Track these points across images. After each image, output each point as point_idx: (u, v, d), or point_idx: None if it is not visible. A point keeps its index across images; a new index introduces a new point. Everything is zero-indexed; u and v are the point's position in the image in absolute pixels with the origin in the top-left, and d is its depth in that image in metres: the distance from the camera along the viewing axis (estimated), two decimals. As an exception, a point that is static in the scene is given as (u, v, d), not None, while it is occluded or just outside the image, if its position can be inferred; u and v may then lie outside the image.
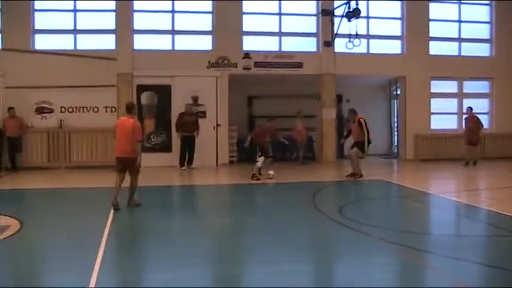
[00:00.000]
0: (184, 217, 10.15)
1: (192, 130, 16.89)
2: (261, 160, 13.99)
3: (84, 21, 17.63)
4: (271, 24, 18.67)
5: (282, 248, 7.33)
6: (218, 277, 6.34)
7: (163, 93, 17.69)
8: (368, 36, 19.25)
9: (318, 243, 8.01)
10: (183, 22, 18.06)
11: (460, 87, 20.35)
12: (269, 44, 18.68)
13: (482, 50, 20.46)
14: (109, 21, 17.65)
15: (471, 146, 17.29)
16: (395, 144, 20.94)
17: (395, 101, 20.80)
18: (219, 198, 12.58)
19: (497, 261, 6.80)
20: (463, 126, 17.81)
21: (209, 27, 18.20)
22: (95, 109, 17.59)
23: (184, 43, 18.07)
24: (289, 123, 18.33)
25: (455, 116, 20.20)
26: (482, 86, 20.62)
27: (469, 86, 20.45)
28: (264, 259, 6.80)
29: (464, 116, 18.25)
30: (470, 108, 17.76)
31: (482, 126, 17.60)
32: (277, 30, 18.73)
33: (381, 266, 6.70)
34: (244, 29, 18.42)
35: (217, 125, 17.87)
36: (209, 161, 17.58)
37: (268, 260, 6.72)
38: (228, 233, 8.63)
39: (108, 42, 17.67)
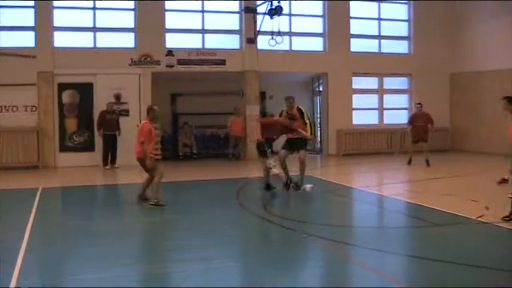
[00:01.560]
0: (109, 216, 11.13)
1: (113, 128, 19.18)
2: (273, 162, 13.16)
3: (3, 18, 19.47)
4: (194, 21, 21.30)
5: (208, 245, 8.37)
6: (145, 277, 7.05)
7: (85, 91, 19.83)
8: (290, 34, 22.56)
9: (243, 240, 9.14)
10: (105, 19, 20.32)
11: (380, 83, 24.16)
12: (192, 41, 21.34)
13: (401, 47, 24.34)
14: (28, 18, 19.64)
15: (422, 143, 18.44)
16: (319, 139, 24.69)
17: (318, 97, 24.46)
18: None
19: (418, 251, 8.15)
20: (408, 123, 19.16)
21: (131, 25, 20.70)
22: (14, 108, 19.54)
23: (106, 41, 20.34)
24: (216, 121, 21.68)
25: (376, 112, 24.13)
26: (401, 82, 24.48)
27: (389, 82, 24.31)
28: (191, 257, 7.69)
29: (413, 112, 19.93)
30: (420, 105, 19.12)
31: (432, 122, 18.64)
32: (200, 27, 21.71)
33: (305, 260, 7.84)
34: (167, 26, 20.97)
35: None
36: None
37: (195, 258, 7.61)
38: (153, 231, 9.84)
39: (27, 40, 19.63)
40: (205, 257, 7.71)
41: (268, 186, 13.11)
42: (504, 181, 13.71)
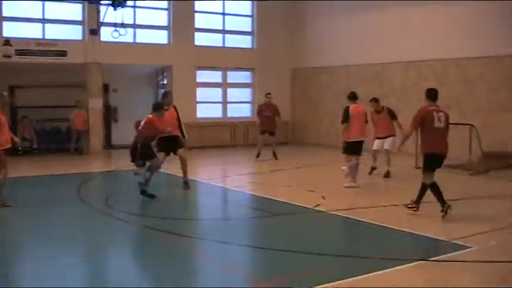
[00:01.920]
0: None
1: None
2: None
3: None
4: (34, 10, 21.09)
5: (48, 242, 8.60)
6: None
7: None
8: (135, 26, 23.13)
9: (84, 235, 9.34)
10: None
11: (224, 77, 25.40)
12: (32, 31, 21.11)
13: (245, 42, 25.69)
14: None
15: (269, 136, 18.83)
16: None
17: (162, 90, 25.16)
18: None
19: (258, 242, 8.88)
20: (257, 114, 19.49)
21: (-35, 11, 20.34)
22: None
23: None
24: (58, 114, 21.75)
25: (220, 105, 25.32)
26: (244, 76, 25.84)
27: (233, 76, 25.58)
28: (36, 255, 7.86)
29: (262, 103, 19.82)
30: (270, 95, 19.38)
31: (279, 114, 19.16)
32: (40, 16, 21.58)
33: (149, 255, 8.12)
34: (4, 14, 20.56)
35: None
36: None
37: (39, 256, 7.80)
38: None
39: None
40: (45, 255, 7.91)
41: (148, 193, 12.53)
42: (373, 170, 15.31)
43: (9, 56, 20.40)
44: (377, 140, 15.39)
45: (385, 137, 15.36)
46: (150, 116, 12.21)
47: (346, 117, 13.36)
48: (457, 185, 14.14)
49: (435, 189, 10.11)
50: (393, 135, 15.37)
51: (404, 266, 7.48)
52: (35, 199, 12.55)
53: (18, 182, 15.14)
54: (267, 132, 18.66)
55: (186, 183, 13.43)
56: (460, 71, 19.29)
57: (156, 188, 12.92)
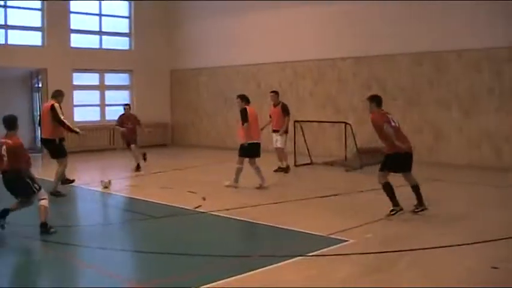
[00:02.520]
0: None
1: None
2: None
3: None
4: None
5: None
6: None
7: None
8: (6, 26, 22.22)
9: None
10: None
11: (102, 79, 24.92)
12: None
13: (123, 44, 25.35)
14: None
15: (132, 145, 17.59)
16: (39, 138, 24.43)
17: (38, 94, 24.36)
18: None
19: (137, 245, 8.87)
20: (120, 125, 17.91)
21: None
22: None
23: None
24: None
25: (98, 108, 24.79)
26: (122, 78, 25.47)
27: (111, 78, 25.17)
28: None
29: (121, 114, 18.33)
30: (129, 106, 18.47)
31: (140, 123, 17.96)
32: None
33: (23, 263, 8.00)
34: None
35: None
36: None
37: None
38: None
39: None
40: None
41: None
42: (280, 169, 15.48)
43: None
44: (273, 134, 16.04)
45: (277, 131, 15.87)
46: None
47: (246, 117, 13.20)
48: (333, 181, 14.58)
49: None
50: (285, 132, 15.91)
51: (284, 262, 7.64)
52: None
53: None
54: (131, 142, 17.58)
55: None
56: (335, 70, 19.85)
57: None
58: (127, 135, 17.57)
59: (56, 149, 12.93)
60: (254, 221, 10.26)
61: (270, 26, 21.65)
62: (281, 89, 19.74)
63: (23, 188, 9.27)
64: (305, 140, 17.67)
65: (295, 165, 16.57)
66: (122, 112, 18.08)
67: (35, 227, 9.46)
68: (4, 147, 9.19)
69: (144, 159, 17.87)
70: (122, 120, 17.71)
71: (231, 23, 23.01)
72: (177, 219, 10.73)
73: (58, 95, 13.41)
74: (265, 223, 10.07)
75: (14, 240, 9.25)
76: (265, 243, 9.18)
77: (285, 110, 16.05)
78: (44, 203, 9.31)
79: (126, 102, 18.77)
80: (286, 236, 9.35)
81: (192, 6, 24.57)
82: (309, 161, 17.51)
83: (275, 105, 16.27)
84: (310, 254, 8.01)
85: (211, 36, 23.78)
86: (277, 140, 15.94)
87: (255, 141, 13.41)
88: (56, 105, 12.89)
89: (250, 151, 13.32)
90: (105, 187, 13.96)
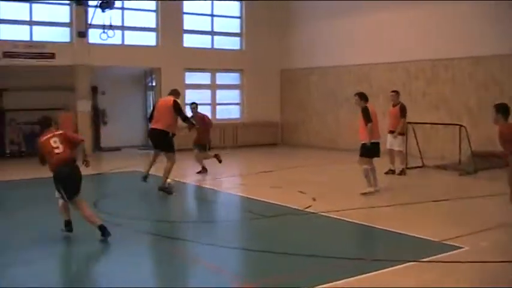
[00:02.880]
0: None
1: None
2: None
3: None
4: (21, 12, 20.94)
5: (33, 246, 8.48)
6: None
7: None
8: (123, 28, 23.05)
9: (70, 239, 9.02)
10: None
11: (213, 78, 25.36)
12: (19, 33, 20.96)
13: (234, 44, 25.61)
14: None
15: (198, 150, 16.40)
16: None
17: (151, 93, 25.13)
18: None
19: (248, 244, 8.74)
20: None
21: (-50, 14, 20.18)
22: None
23: None
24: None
25: (209, 107, 25.23)
26: (233, 78, 25.79)
27: (222, 78, 25.55)
28: (14, 260, 7.82)
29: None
30: (195, 105, 16.92)
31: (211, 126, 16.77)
32: (28, 18, 21.51)
33: (137, 256, 8.14)
34: (-8, 17, 20.75)
35: None
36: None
37: (18, 260, 7.75)
38: None
39: None
40: (28, 258, 7.85)
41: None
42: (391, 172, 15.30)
43: (-4, 59, 20.15)
44: (389, 135, 15.63)
45: (394, 131, 15.60)
46: None
47: (369, 116, 12.63)
48: (446, 185, 14.17)
49: None
50: (402, 134, 15.64)
51: (397, 267, 7.45)
52: (23, 202, 12.51)
53: (5, 185, 15.28)
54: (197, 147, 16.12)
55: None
56: (449, 71, 19.28)
57: (149, 190, 13.06)
58: (196, 138, 16.07)
59: (167, 142, 13.02)
60: (365, 224, 10.10)
61: (382, 25, 21.30)
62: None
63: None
64: (417, 142, 17.23)
65: (407, 168, 16.19)
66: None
67: (149, 222, 9.91)
68: None
69: (219, 161, 16.81)
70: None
71: (343, 22, 22.80)
72: (287, 219, 10.66)
73: (176, 93, 13.66)
74: (377, 226, 9.89)
75: (128, 234, 9.49)
76: (377, 247, 9.00)
77: (403, 111, 15.65)
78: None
79: (193, 101, 16.91)
80: (398, 240, 9.13)
81: (304, 6, 24.53)
82: (420, 164, 17.05)
83: (394, 105, 15.93)
84: (424, 260, 7.76)
85: (323, 36, 23.66)
86: (393, 142, 15.58)
87: (377, 141, 12.93)
88: (179, 101, 13.08)
89: (372, 151, 12.84)
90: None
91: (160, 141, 13.04)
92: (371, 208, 11.40)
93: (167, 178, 13.24)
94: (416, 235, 9.11)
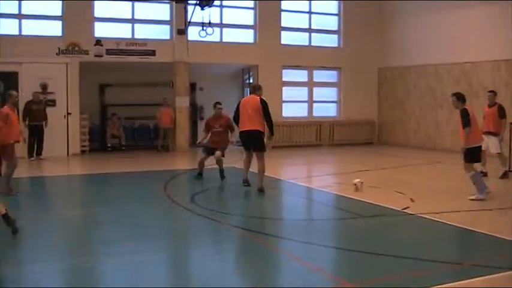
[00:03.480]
0: (36, 209, 11.18)
1: (40, 119, 19.18)
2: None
3: None
4: (123, 10, 21.53)
5: (135, 238, 8.62)
6: (71, 270, 7.18)
7: (9, 80, 19.53)
8: (221, 25, 23.18)
9: (171, 232, 9.34)
10: (31, 6, 20.22)
11: (310, 76, 25.16)
12: (121, 31, 21.52)
13: (331, 41, 25.32)
14: None
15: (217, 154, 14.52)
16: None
17: (248, 90, 25.19)
18: (69, 189, 14.47)
19: (344, 243, 8.60)
20: (205, 130, 15.01)
21: (59, 13, 20.71)
22: None
23: (32, 28, 20.26)
24: (146, 112, 22.16)
25: (306, 104, 25.11)
26: (331, 75, 25.49)
27: (319, 75, 25.30)
28: (118, 251, 7.88)
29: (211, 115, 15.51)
30: (220, 104, 15.18)
31: (233, 129, 14.64)
32: (129, 17, 22.01)
33: (234, 252, 8.23)
34: (96, 15, 21.15)
35: (68, 113, 20.70)
36: (59, 151, 20.33)
37: (121, 252, 7.81)
38: (79, 225, 9.85)
39: None
40: (131, 250, 7.93)
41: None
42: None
43: (100, 56, 20.94)
44: (484, 136, 14.39)
45: (490, 132, 14.69)
46: None
47: (467, 120, 11.63)
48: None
49: None
50: (497, 134, 14.77)
51: (499, 274, 7.02)
52: (122, 195, 12.85)
53: (106, 177, 15.81)
54: (216, 150, 14.36)
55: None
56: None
57: (241, 186, 12.98)
58: (215, 141, 14.44)
59: (263, 142, 12.78)
60: (465, 227, 9.62)
61: (484, 22, 20.40)
62: (495, 89, 18.59)
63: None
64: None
65: (510, 171, 15.45)
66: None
67: (244, 217, 10.06)
68: None
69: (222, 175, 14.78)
70: (209, 123, 14.70)
71: (442, 19, 22.05)
72: (384, 220, 10.36)
73: (260, 89, 13.24)
74: (477, 230, 9.41)
75: (224, 229, 9.64)
76: (476, 251, 8.53)
77: (502, 112, 14.91)
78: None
79: (217, 101, 15.17)
80: (499, 245, 8.61)
81: (402, 3, 23.95)
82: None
83: (490, 106, 15.22)
84: (531, 268, 7.28)
85: (422, 33, 22.99)
86: (490, 144, 14.84)
87: (477, 145, 11.97)
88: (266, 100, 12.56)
89: (472, 156, 11.86)
90: (356, 190, 12.82)
91: (259, 142, 12.70)
92: (471, 211, 10.87)
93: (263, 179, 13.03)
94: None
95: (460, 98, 12.02)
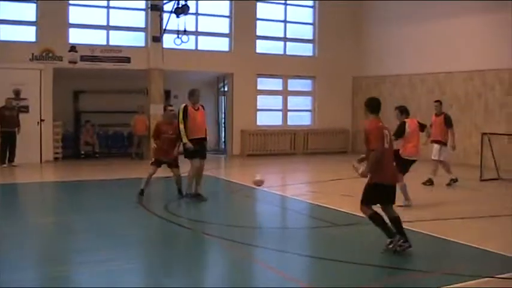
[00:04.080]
0: (6, 217, 10.96)
1: (13, 125, 18.99)
2: None
3: None
4: (98, 17, 21.41)
5: (108, 247, 8.59)
6: (45, 280, 7.12)
7: None
8: (197, 33, 23.15)
9: (143, 241, 9.32)
10: (5, 11, 20.04)
11: (285, 84, 25.18)
12: (96, 38, 21.43)
13: (306, 50, 25.44)
14: None
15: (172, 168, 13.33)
16: (223, 140, 25.50)
17: (223, 97, 25.24)
18: (42, 196, 14.36)
19: (318, 252, 8.64)
20: (154, 137, 13.53)
21: (33, 18, 20.45)
22: None
23: (5, 33, 20.04)
24: (120, 119, 22.05)
25: (280, 113, 25.20)
26: (305, 84, 25.62)
27: (293, 84, 25.39)
28: (91, 259, 7.80)
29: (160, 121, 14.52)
30: (171, 106, 14.14)
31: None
32: (105, 23, 21.91)
33: (207, 261, 8.22)
34: (71, 21, 20.95)
35: (41, 120, 20.43)
36: (32, 158, 20.08)
37: (95, 260, 7.75)
38: (52, 233, 9.80)
39: None
40: (105, 259, 7.91)
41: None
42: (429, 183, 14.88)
43: (74, 62, 20.78)
44: (434, 145, 15.00)
45: (437, 141, 14.95)
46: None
47: (402, 132, 12.08)
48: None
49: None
50: (445, 143, 15.00)
51: (470, 282, 7.09)
52: (95, 203, 12.79)
53: (79, 185, 15.68)
54: (164, 162, 12.99)
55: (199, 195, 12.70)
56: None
57: (215, 194, 13.13)
58: (162, 150, 12.95)
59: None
60: (438, 236, 9.68)
61: (457, 33, 20.67)
62: (468, 100, 18.87)
63: None
64: (493, 154, 16.65)
65: (481, 180, 15.63)
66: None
67: (217, 226, 9.99)
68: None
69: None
70: (159, 128, 13.01)
71: (417, 30, 22.29)
72: (358, 228, 10.31)
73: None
74: (450, 239, 9.47)
75: (196, 237, 9.64)
76: (449, 260, 8.58)
77: (448, 121, 15.13)
78: None
79: (168, 103, 13.61)
80: (472, 253, 8.70)
81: (376, 13, 24.23)
82: (496, 176, 16.45)
83: (437, 115, 15.43)
84: (500, 276, 7.36)
85: (396, 43, 23.24)
86: (438, 152, 15.04)
87: (411, 158, 12.20)
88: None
89: (404, 167, 12.02)
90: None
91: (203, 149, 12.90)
92: (445, 220, 11.01)
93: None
94: (492, 250, 8.66)
95: (403, 111, 12.54)
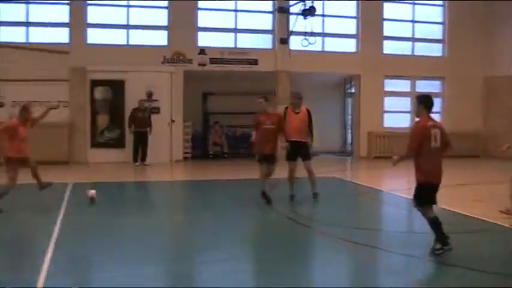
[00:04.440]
0: (137, 214, 11.21)
1: (145, 126, 19.74)
2: None
3: (38, 13, 20.37)
4: (226, 20, 21.85)
5: (235, 246, 8.58)
6: (169, 276, 7.28)
7: (117, 88, 20.45)
8: (323, 34, 22.89)
9: (269, 241, 9.17)
10: (138, 17, 20.95)
11: (413, 86, 24.47)
12: (225, 41, 21.85)
13: (435, 50, 24.59)
14: (62, 14, 20.46)
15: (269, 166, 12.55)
16: (349, 142, 25.17)
17: (350, 99, 24.94)
18: (172, 195, 14.71)
19: (446, 258, 8.01)
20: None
21: (164, 23, 21.36)
22: (46, 104, 20.38)
23: (139, 38, 20.92)
24: (247, 120, 22.20)
25: (408, 115, 24.55)
26: (434, 85, 24.76)
27: (422, 85, 24.57)
28: (215, 258, 7.80)
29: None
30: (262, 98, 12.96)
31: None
32: (233, 26, 22.21)
33: (334, 264, 7.96)
34: (200, 24, 21.56)
35: (172, 121, 21.23)
36: (163, 157, 20.79)
37: (219, 259, 7.72)
38: (179, 230, 9.97)
39: (61, 36, 20.32)
40: (230, 257, 7.90)
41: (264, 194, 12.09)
42: None
43: (204, 65, 21.23)
44: None
45: None
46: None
47: None
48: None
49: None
50: None
51: None
52: (223, 202, 12.92)
53: (208, 185, 15.90)
54: (264, 159, 12.29)
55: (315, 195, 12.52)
56: None
57: (340, 196, 13.11)
58: (259, 144, 12.34)
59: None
60: None
61: None
62: None
63: None
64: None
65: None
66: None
67: (347, 228, 9.70)
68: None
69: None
70: (258, 119, 12.48)
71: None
72: (489, 235, 9.79)
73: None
74: None
75: (323, 239, 9.46)
76: None
77: None
78: None
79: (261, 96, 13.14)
80: None
81: (509, 10, 22.97)
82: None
83: None
84: None
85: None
86: None
87: None
88: None
89: None
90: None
91: (305, 152, 12.71)
92: None
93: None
94: None
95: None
